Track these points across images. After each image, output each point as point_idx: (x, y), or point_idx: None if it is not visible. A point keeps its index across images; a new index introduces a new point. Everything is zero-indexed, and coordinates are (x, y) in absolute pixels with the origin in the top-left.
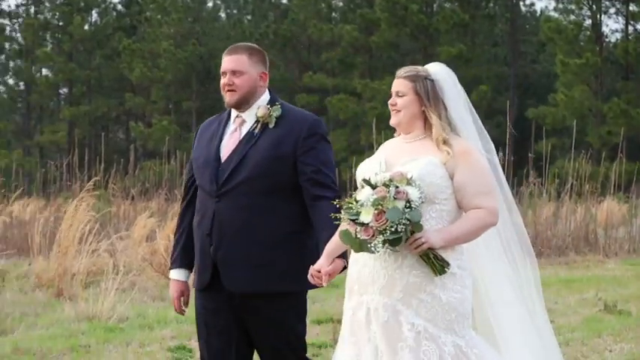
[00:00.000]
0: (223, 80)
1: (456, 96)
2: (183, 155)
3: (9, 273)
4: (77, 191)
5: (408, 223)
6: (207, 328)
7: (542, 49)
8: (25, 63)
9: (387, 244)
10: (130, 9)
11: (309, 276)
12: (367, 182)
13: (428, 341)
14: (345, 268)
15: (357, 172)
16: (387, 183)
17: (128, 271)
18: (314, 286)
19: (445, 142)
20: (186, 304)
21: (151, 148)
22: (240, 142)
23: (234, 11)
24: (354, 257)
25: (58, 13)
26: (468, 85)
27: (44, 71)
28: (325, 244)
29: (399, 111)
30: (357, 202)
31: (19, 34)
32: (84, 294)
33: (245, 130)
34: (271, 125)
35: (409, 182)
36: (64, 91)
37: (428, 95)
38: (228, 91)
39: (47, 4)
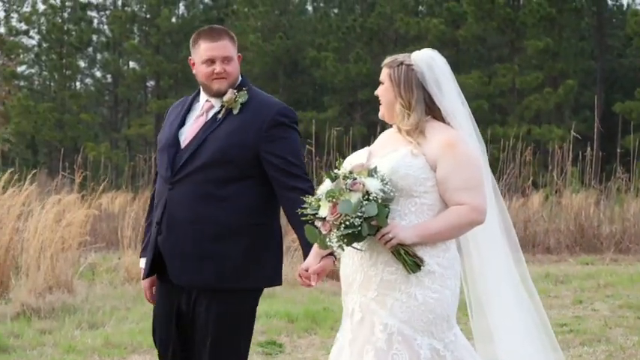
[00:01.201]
0: (211, 68)
1: (444, 82)
2: None
3: (99, 266)
4: None
5: (364, 216)
6: (154, 316)
7: (629, 43)
8: (112, 56)
9: (344, 240)
10: (217, 2)
11: (297, 276)
12: (328, 175)
13: (400, 344)
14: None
15: (343, 164)
16: (347, 175)
17: None
18: (270, 285)
19: (412, 132)
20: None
21: None
22: (202, 127)
23: (321, 4)
24: (342, 256)
25: (145, 6)
26: (555, 79)
27: (131, 64)
28: (299, 236)
29: (381, 101)
30: (315, 195)
31: (106, 27)
32: None
33: (211, 115)
34: (235, 111)
35: (370, 174)
36: (150, 84)
37: (399, 80)
38: (221, 78)
39: None
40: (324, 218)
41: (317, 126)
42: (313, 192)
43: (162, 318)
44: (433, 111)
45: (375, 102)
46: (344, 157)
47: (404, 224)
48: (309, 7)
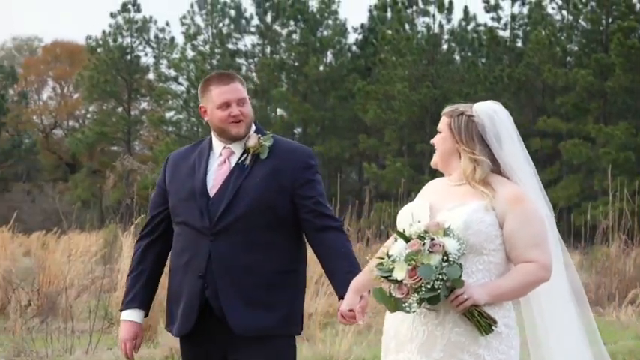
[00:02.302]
0: (227, 111)
1: (505, 137)
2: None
3: None
4: None
5: (445, 279)
6: None
7: None
8: (260, 102)
9: (423, 303)
10: (365, 50)
11: (338, 316)
12: (401, 235)
13: None
14: None
15: (397, 218)
16: (422, 235)
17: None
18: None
19: (480, 182)
20: (138, 347)
21: (384, 189)
22: (231, 174)
23: (469, 54)
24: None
25: (293, 54)
26: None
27: (279, 111)
28: (347, 274)
29: (437, 150)
30: (389, 257)
31: (254, 74)
32: (321, 335)
33: (234, 161)
34: (263, 156)
35: (446, 233)
36: (298, 131)
37: (460, 131)
38: (238, 121)
39: (283, 45)
40: (400, 281)
41: None
42: (343, 230)
43: None
44: (498, 167)
45: None
46: None
47: (470, 282)
48: (457, 57)
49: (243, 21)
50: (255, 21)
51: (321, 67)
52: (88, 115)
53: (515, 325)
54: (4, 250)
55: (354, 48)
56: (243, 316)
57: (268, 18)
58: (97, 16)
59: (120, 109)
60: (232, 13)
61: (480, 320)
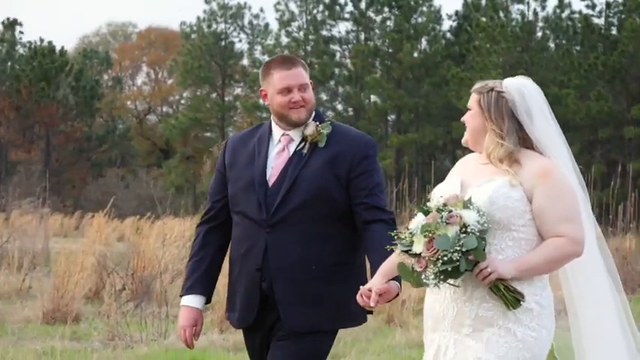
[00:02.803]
0: (288, 97)
1: (536, 112)
2: None
3: None
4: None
5: (462, 250)
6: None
7: None
8: (354, 89)
9: (441, 277)
10: (459, 37)
11: (357, 296)
12: (420, 208)
13: None
14: (398, 294)
15: (431, 196)
16: (441, 208)
17: None
18: (360, 323)
19: (504, 159)
20: (198, 335)
21: None
22: (289, 162)
23: (564, 41)
24: (428, 290)
25: (387, 40)
26: None
27: (373, 98)
28: (376, 266)
29: (467, 127)
30: (408, 230)
31: (348, 60)
32: (414, 321)
33: (292, 149)
34: (321, 144)
35: (466, 205)
36: (392, 118)
37: (489, 107)
38: (299, 107)
39: (377, 31)
40: (419, 254)
41: None
42: (395, 224)
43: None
44: (525, 141)
45: (617, 141)
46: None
47: (500, 258)
48: (552, 44)
49: (338, 7)
50: (350, 7)
51: (415, 54)
52: (182, 101)
53: (550, 306)
54: (99, 234)
55: (448, 35)
56: (298, 312)
57: (363, 4)
58: (191, 2)
59: (214, 95)
60: None
61: (507, 294)
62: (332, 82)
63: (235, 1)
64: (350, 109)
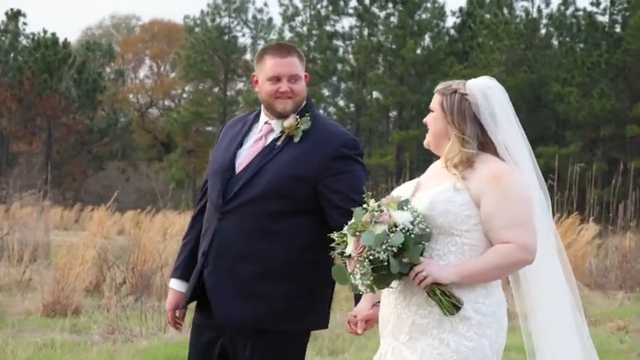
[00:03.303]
0: (276, 86)
1: (500, 115)
2: None
3: (338, 294)
4: None
5: (391, 249)
6: (190, 346)
7: None
8: (356, 85)
9: (370, 279)
10: (463, 34)
11: (346, 324)
12: (356, 210)
13: None
14: None
15: (390, 195)
16: (375, 208)
17: None
18: (316, 328)
19: (460, 164)
20: (182, 317)
21: None
22: (261, 152)
23: (567, 39)
24: (382, 294)
25: (391, 36)
26: None
27: (375, 94)
28: None
29: (429, 129)
30: (341, 233)
31: (351, 56)
32: None
33: (270, 139)
34: (296, 139)
35: (401, 206)
36: (393, 114)
37: (452, 110)
38: (286, 98)
39: (381, 27)
40: (349, 255)
41: (558, 161)
42: None
43: (199, 351)
44: (485, 145)
45: (619, 139)
46: (584, 193)
47: (441, 264)
48: (555, 42)
49: (342, 3)
50: (354, 3)
51: (419, 51)
52: (184, 95)
53: (496, 314)
54: (100, 228)
55: (451, 31)
56: (228, 304)
57: (366, 0)
58: None
59: (216, 90)
60: None
61: (443, 299)
62: (334, 78)
63: None
64: (352, 105)
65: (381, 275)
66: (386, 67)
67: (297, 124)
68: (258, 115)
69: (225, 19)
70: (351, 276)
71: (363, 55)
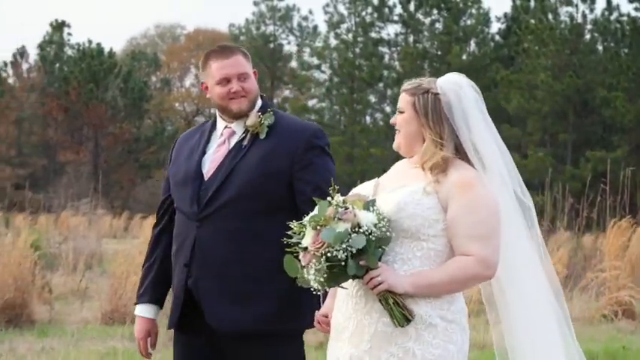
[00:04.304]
0: (227, 88)
1: (474, 114)
2: (558, 186)
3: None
4: None
5: (350, 249)
6: None
7: None
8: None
9: (324, 276)
10: (508, 39)
11: (315, 323)
12: (319, 202)
13: None
14: None
15: (349, 194)
16: (339, 204)
17: None
18: (309, 326)
19: (437, 166)
20: (154, 345)
21: (526, 179)
22: (227, 155)
23: (612, 44)
24: (337, 297)
25: (436, 42)
26: None
27: None
28: None
29: (398, 131)
30: (300, 223)
31: (397, 63)
32: (474, 322)
33: (234, 142)
34: (262, 136)
35: (367, 207)
36: None
37: (426, 111)
38: (240, 97)
39: (426, 34)
40: (305, 248)
41: (606, 166)
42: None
43: None
44: (459, 147)
45: None
46: (632, 198)
47: (405, 269)
48: (600, 47)
49: (387, 9)
50: (399, 9)
51: (464, 56)
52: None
53: (461, 320)
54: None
55: (497, 37)
56: (222, 311)
57: (412, 7)
58: (239, 4)
59: None
60: (375, 1)
61: (394, 309)
62: (380, 85)
63: (284, 3)
64: None
65: (335, 274)
66: (432, 73)
67: (261, 120)
68: (214, 123)
69: (271, 27)
70: (304, 269)
71: (408, 62)
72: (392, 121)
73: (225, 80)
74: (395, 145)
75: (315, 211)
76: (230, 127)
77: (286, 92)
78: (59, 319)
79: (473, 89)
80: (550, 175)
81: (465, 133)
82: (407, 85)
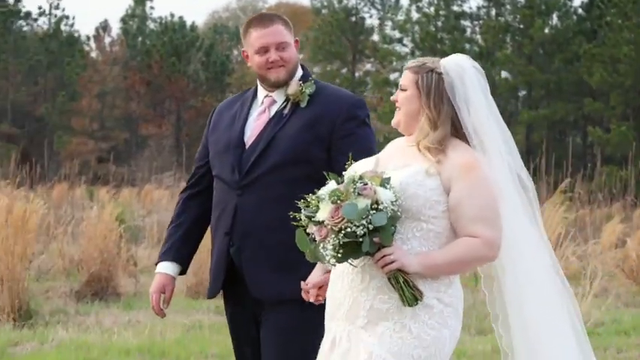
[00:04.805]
0: (265, 57)
1: (474, 97)
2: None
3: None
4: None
5: (369, 226)
6: (239, 341)
7: None
8: (484, 65)
9: (339, 251)
10: (591, 13)
11: (302, 292)
12: (333, 177)
13: None
14: None
15: (346, 173)
16: (356, 179)
17: (594, 276)
18: None
19: (433, 147)
20: (167, 302)
21: (608, 153)
22: (268, 123)
23: None
24: (332, 274)
25: (518, 16)
26: None
27: (503, 74)
28: None
29: (399, 108)
30: (316, 196)
31: (479, 36)
32: None
33: (274, 110)
34: (303, 104)
35: (383, 184)
36: (522, 93)
37: (428, 90)
38: (278, 67)
39: (508, 7)
40: (322, 222)
41: None
42: None
43: (249, 340)
44: (457, 128)
45: None
46: None
47: (405, 249)
48: None
49: None
50: None
51: (547, 30)
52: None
53: (457, 305)
54: None
55: (579, 10)
56: (264, 279)
57: None
58: None
59: (344, 70)
60: None
61: (405, 288)
62: None
63: None
64: None
65: (347, 250)
66: (514, 46)
67: (302, 89)
68: (255, 92)
69: (353, 1)
70: (321, 244)
71: (490, 35)
72: (393, 98)
73: (264, 49)
74: (394, 122)
75: (332, 185)
76: (271, 96)
77: (368, 66)
78: (144, 291)
79: (475, 72)
80: (634, 149)
81: (466, 114)
82: (411, 63)
